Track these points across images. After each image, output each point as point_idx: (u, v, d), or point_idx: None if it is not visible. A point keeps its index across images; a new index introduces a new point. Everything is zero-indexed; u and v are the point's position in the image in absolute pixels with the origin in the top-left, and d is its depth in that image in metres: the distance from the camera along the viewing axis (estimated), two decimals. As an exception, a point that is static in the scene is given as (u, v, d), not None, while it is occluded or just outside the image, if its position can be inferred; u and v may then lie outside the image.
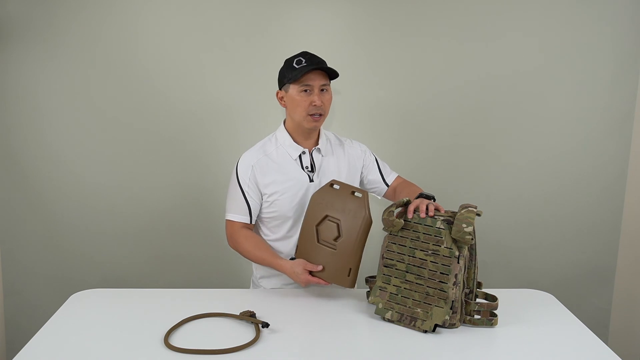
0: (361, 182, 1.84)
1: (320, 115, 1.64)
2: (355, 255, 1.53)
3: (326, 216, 1.57)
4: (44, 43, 2.27)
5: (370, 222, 1.54)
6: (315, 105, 1.62)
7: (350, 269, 1.52)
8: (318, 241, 1.57)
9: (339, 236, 1.55)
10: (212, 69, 2.35)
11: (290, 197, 1.68)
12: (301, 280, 1.56)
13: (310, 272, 1.56)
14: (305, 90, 1.62)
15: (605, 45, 2.37)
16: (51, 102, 2.32)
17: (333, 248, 1.54)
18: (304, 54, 1.64)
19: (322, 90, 1.64)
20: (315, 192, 1.62)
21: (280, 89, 1.70)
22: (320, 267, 1.54)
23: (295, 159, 1.70)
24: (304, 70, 1.59)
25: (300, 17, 2.34)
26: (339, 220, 1.55)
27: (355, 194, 1.57)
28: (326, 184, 1.62)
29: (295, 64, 1.62)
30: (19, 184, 2.36)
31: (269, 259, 1.65)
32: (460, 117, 2.42)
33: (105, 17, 2.27)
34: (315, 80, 1.62)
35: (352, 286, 1.54)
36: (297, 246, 1.65)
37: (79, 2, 2.26)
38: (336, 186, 1.60)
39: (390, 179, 1.84)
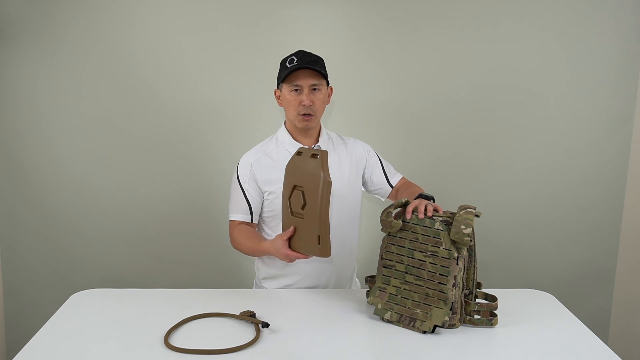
0: (365, 183, 1.84)
1: (311, 115, 1.63)
2: (321, 221, 1.38)
3: (295, 186, 1.46)
4: (43, 43, 2.27)
5: (330, 184, 1.39)
6: (303, 105, 1.61)
7: (319, 236, 1.39)
8: (292, 214, 1.47)
9: (305, 204, 1.42)
10: (212, 71, 2.34)
11: None
12: (282, 254, 1.50)
13: (291, 248, 1.48)
14: (296, 90, 1.62)
15: (605, 45, 2.37)
16: (50, 102, 2.32)
17: (302, 217, 1.44)
18: (298, 53, 1.63)
19: (314, 89, 1.63)
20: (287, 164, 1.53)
21: (277, 87, 1.70)
22: (291, 230, 1.46)
23: None
24: (292, 69, 1.59)
25: (301, 16, 2.34)
26: (302, 187, 1.43)
27: (318, 156, 1.42)
28: (294, 153, 1.50)
29: (288, 63, 1.62)
30: (19, 184, 2.36)
31: (256, 245, 1.61)
32: (461, 117, 2.42)
33: (105, 17, 2.27)
34: (305, 80, 1.61)
35: (328, 255, 1.40)
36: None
37: (79, 2, 2.25)
38: (301, 152, 1.48)
39: (395, 180, 1.83)
